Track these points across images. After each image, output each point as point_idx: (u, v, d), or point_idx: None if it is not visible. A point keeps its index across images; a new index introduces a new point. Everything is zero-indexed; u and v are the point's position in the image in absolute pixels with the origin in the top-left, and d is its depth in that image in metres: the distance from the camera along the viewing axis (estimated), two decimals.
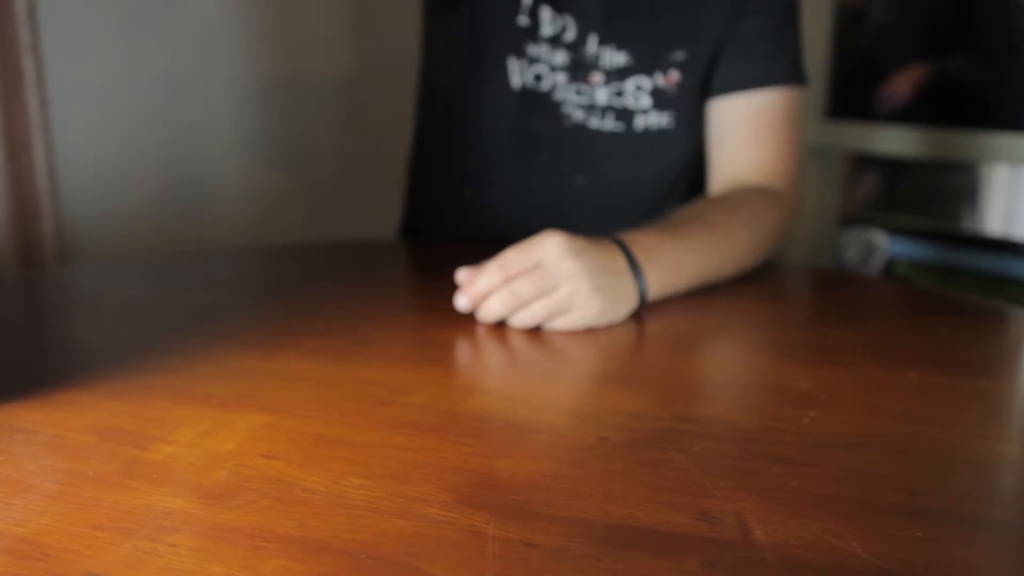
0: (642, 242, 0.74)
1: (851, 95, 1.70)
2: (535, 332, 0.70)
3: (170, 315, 0.77)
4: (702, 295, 0.80)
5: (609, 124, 0.94)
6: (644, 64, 0.93)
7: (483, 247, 0.78)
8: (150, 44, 1.31)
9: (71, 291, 0.89)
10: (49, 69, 1.17)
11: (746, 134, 0.93)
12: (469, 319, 0.72)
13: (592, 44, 0.93)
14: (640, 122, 0.94)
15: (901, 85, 1.65)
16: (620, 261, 0.72)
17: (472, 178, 1.03)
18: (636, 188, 0.98)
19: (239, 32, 1.42)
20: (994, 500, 0.46)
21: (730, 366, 0.67)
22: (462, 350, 0.67)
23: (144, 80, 1.31)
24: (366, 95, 1.60)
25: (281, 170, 1.52)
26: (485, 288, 0.69)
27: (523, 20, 0.93)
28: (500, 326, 0.71)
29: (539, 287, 0.68)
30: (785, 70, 0.93)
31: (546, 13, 0.93)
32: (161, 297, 0.83)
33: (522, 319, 0.69)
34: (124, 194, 1.30)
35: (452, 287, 0.73)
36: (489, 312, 0.69)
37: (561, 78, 0.95)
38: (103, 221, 1.28)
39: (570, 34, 0.92)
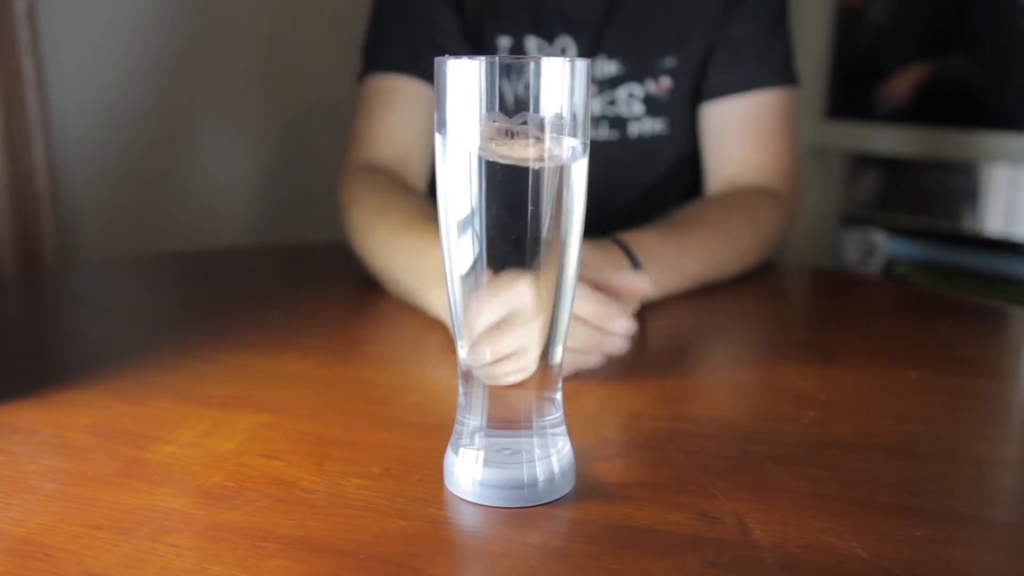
0: (643, 242, 0.74)
1: (851, 95, 1.70)
2: None
3: (170, 315, 0.77)
4: (703, 295, 0.80)
5: (603, 133, 0.94)
6: (635, 72, 0.93)
7: None
8: (150, 44, 1.31)
9: (71, 291, 0.89)
10: (49, 69, 1.17)
11: (742, 136, 0.93)
12: None
13: (584, 57, 0.93)
14: (634, 129, 0.94)
15: (900, 85, 1.65)
16: (624, 263, 0.72)
17: None
18: (632, 193, 0.98)
19: (239, 31, 1.42)
20: (994, 500, 0.46)
21: (730, 366, 0.67)
22: None
23: (144, 80, 1.31)
24: None
25: (281, 170, 1.52)
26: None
27: None
28: None
29: None
30: (776, 71, 0.93)
31: (532, 43, 0.92)
32: (161, 297, 0.83)
33: None
34: (124, 194, 1.30)
35: None
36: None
37: None
38: (103, 221, 1.28)
39: (570, 54, 0.92)
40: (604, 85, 0.93)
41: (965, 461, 0.49)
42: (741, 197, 0.89)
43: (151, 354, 0.63)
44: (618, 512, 0.42)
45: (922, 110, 1.61)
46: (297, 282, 0.89)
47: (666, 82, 0.93)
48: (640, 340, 0.71)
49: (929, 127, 1.60)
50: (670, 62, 0.93)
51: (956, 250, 1.60)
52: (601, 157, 0.95)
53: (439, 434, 0.49)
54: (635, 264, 0.72)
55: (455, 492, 0.43)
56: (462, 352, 0.43)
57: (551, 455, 0.43)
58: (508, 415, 0.42)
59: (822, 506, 0.43)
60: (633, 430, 0.52)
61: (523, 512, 0.42)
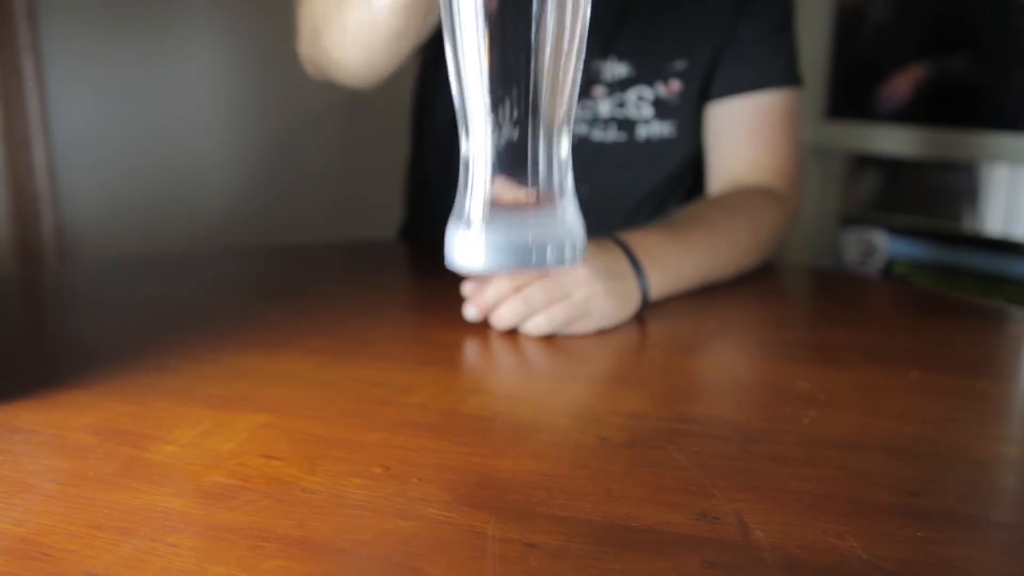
0: (643, 242, 0.74)
1: (851, 95, 1.70)
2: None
3: (170, 315, 0.77)
4: (703, 295, 0.80)
5: (612, 135, 0.94)
6: (645, 74, 0.93)
7: None
8: (149, 44, 1.31)
9: (71, 291, 0.89)
10: (49, 69, 1.17)
11: (745, 135, 0.93)
12: (468, 320, 0.72)
13: (595, 58, 0.93)
14: (642, 132, 0.94)
15: (901, 85, 1.65)
16: (624, 263, 0.72)
17: None
18: (636, 195, 0.98)
19: (238, 31, 1.42)
20: (994, 500, 0.46)
21: (730, 366, 0.67)
22: (462, 350, 0.67)
23: (143, 80, 1.31)
24: (366, 94, 1.60)
25: (280, 170, 1.52)
26: (494, 298, 0.69)
27: None
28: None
29: (552, 293, 0.68)
30: (782, 72, 0.93)
31: None
32: (160, 297, 0.83)
33: (538, 325, 0.68)
34: (124, 194, 1.30)
35: (453, 287, 0.73)
36: (501, 320, 0.69)
37: None
38: (103, 221, 1.28)
39: None
40: (614, 87, 0.93)
41: (965, 461, 0.49)
42: (742, 197, 0.89)
43: (151, 354, 0.63)
44: (618, 512, 0.42)
45: (922, 110, 1.61)
46: (297, 282, 0.89)
47: (676, 85, 0.93)
48: (641, 340, 0.71)
49: (929, 127, 1.60)
50: (680, 65, 0.93)
51: (956, 250, 1.60)
52: (608, 159, 0.95)
53: (439, 434, 0.49)
54: (635, 264, 0.72)
55: (459, 263, 0.40)
56: (465, 145, 0.40)
57: (560, 226, 0.40)
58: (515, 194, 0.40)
59: (822, 506, 0.43)
60: (633, 430, 0.52)
61: (523, 512, 0.42)
